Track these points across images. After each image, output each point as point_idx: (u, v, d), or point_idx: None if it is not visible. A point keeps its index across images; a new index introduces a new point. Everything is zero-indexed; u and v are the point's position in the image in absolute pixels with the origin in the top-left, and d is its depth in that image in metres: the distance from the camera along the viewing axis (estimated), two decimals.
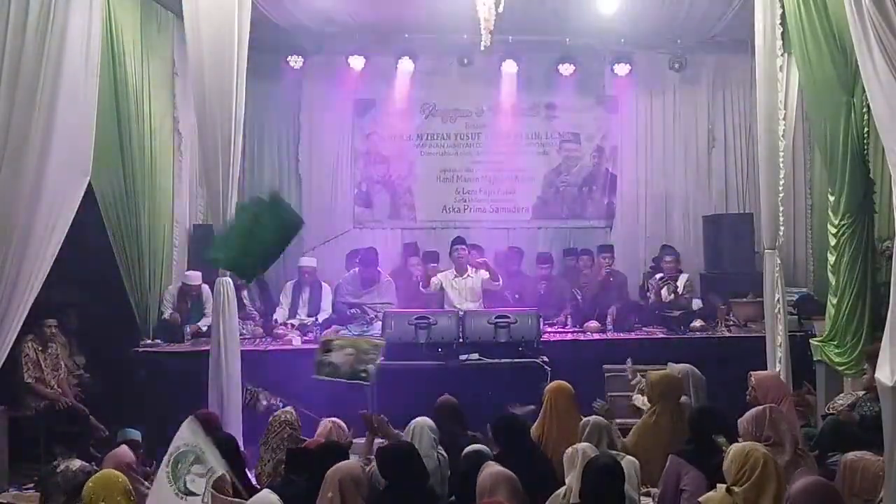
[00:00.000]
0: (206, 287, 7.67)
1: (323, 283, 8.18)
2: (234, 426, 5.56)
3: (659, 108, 9.67)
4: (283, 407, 5.80)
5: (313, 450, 4.37)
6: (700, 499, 3.66)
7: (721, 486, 3.60)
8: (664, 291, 7.98)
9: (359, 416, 5.25)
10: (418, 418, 4.76)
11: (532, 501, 3.93)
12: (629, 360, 6.48)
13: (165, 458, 3.97)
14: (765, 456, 3.57)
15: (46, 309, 6.23)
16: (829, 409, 5.87)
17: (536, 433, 4.91)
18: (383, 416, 5.21)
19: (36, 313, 5.50)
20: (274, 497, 3.64)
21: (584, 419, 4.61)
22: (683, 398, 5.34)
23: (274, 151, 9.65)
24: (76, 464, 4.03)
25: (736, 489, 3.51)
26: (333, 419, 5.16)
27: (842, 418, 5.28)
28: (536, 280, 8.37)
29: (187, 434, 3.98)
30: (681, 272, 8.17)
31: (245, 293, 8.04)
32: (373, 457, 4.85)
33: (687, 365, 5.74)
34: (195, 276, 7.56)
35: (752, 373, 5.36)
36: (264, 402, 6.46)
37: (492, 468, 3.88)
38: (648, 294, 8.15)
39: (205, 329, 7.24)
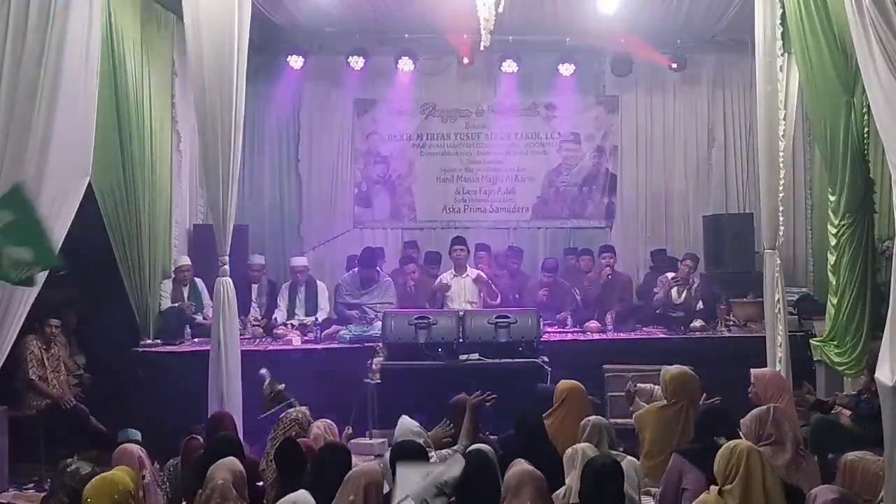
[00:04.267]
0: (199, 280, 7.71)
1: (319, 282, 8.19)
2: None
3: (659, 108, 9.68)
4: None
5: (319, 450, 4.36)
6: (694, 502, 3.66)
7: (713, 488, 3.60)
8: (674, 292, 7.98)
9: (354, 415, 5.24)
10: (403, 419, 4.75)
11: None
12: (630, 381, 6.34)
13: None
14: (748, 448, 3.57)
15: (46, 309, 6.23)
16: (830, 401, 5.88)
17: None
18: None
19: (36, 313, 5.51)
20: (309, 497, 3.63)
21: (584, 420, 4.60)
22: None
23: (274, 151, 9.67)
24: (86, 468, 4.00)
25: (727, 489, 3.51)
26: (325, 420, 5.16)
27: (830, 416, 5.32)
28: (538, 285, 8.32)
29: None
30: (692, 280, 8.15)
31: (255, 291, 8.08)
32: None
33: (679, 366, 5.71)
34: (183, 259, 7.69)
35: (751, 370, 5.36)
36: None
37: (519, 466, 3.85)
38: (656, 290, 8.12)
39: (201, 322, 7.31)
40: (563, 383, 5.27)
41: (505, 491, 3.71)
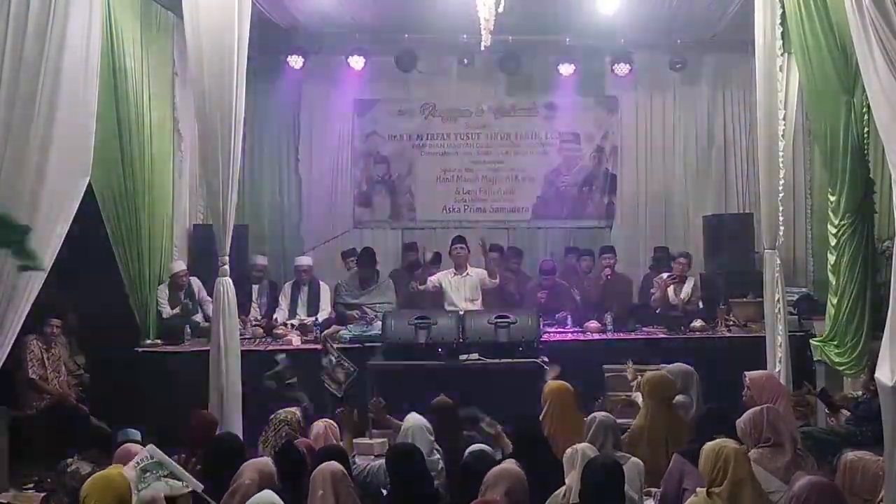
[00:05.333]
0: (195, 280, 7.70)
1: (321, 283, 8.19)
2: (235, 426, 5.54)
3: (659, 108, 9.68)
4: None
5: (316, 453, 4.37)
6: None
7: (701, 490, 3.60)
8: (671, 291, 7.99)
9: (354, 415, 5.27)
10: (413, 417, 4.76)
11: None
12: (630, 360, 6.45)
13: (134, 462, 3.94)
14: (735, 451, 3.59)
15: (46, 309, 6.23)
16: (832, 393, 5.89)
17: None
18: (380, 399, 5.23)
19: (36, 313, 5.50)
20: (275, 498, 3.64)
21: (591, 416, 4.59)
22: (680, 398, 5.34)
23: (274, 151, 9.68)
24: (86, 468, 4.02)
25: (715, 490, 3.51)
26: (327, 420, 5.16)
27: (813, 431, 5.37)
28: (537, 287, 8.30)
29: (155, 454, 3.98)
30: (687, 277, 8.17)
31: (256, 291, 8.08)
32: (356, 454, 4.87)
33: (681, 364, 5.73)
34: (178, 264, 7.65)
35: (746, 372, 5.36)
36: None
37: (503, 464, 3.87)
38: (653, 291, 8.14)
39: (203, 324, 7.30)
40: (548, 385, 5.28)
41: (483, 486, 3.74)
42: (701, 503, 3.55)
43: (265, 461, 4.10)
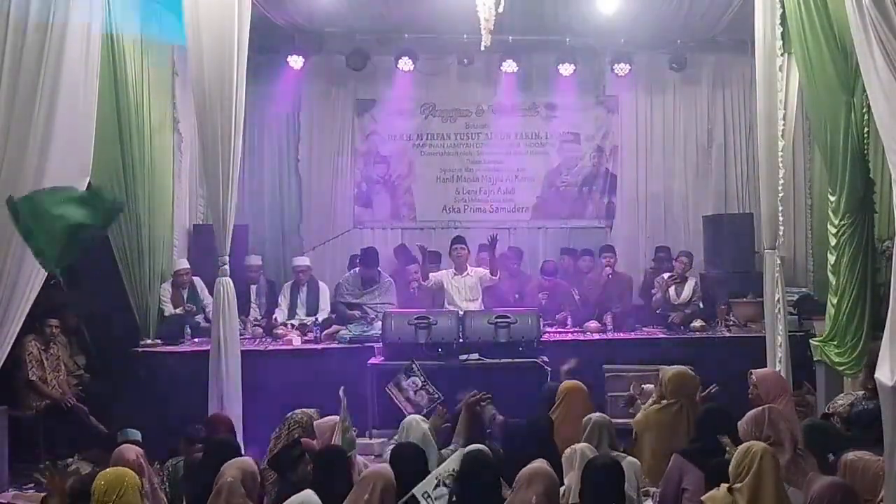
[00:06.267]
0: (198, 280, 7.70)
1: (320, 283, 8.19)
2: (235, 426, 5.54)
3: (659, 108, 9.69)
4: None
5: (319, 451, 4.38)
6: (703, 497, 3.67)
7: (723, 486, 3.60)
8: (672, 291, 7.99)
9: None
10: (410, 417, 4.76)
11: None
12: (633, 383, 6.33)
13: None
14: (763, 450, 3.58)
15: (46, 309, 6.23)
16: (828, 409, 5.87)
17: None
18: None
19: (36, 313, 5.50)
20: (314, 497, 3.65)
21: (586, 417, 4.60)
22: None
23: (274, 151, 9.67)
24: (86, 468, 4.02)
25: (736, 486, 3.51)
26: (335, 417, 5.16)
27: (816, 422, 5.33)
28: (537, 288, 8.30)
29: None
30: (688, 277, 8.18)
31: (254, 291, 8.08)
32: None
33: (678, 367, 5.71)
34: (181, 262, 7.69)
35: (752, 370, 5.35)
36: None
37: (536, 463, 3.88)
38: (654, 291, 8.15)
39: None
40: (566, 383, 5.30)
41: (517, 483, 3.74)
42: (721, 498, 3.55)
43: (246, 460, 4.11)
